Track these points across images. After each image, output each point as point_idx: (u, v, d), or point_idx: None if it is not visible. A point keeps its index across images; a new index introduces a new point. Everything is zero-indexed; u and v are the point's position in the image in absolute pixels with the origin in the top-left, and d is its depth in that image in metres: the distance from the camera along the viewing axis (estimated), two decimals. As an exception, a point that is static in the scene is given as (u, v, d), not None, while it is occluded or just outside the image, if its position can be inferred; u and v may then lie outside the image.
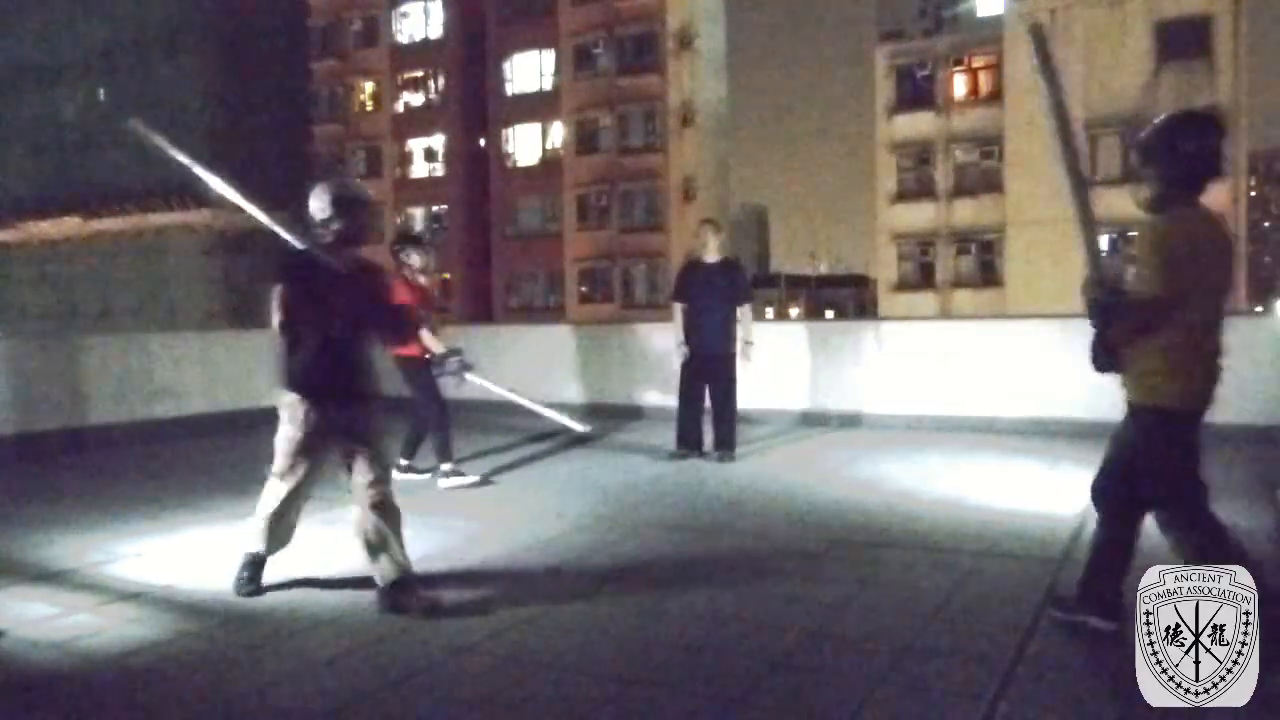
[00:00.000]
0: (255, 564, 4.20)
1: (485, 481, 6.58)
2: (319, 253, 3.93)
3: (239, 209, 4.10)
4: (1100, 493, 3.42)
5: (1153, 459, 3.27)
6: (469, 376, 6.64)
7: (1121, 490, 3.35)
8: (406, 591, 3.91)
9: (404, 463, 6.74)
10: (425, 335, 6.41)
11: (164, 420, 9.42)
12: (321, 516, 5.68)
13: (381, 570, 3.97)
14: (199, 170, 4.04)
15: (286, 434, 4.01)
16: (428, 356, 6.52)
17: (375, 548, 3.98)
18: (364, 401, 4.08)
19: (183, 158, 4.00)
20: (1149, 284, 3.10)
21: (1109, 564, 3.39)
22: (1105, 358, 3.22)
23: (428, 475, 6.69)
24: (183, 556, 4.85)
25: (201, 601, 4.08)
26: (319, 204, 4.03)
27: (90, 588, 4.31)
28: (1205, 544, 3.15)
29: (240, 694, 3.12)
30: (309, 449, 4.02)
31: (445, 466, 6.57)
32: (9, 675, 3.36)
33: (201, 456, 8.22)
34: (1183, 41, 29.58)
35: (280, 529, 4.19)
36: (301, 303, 3.86)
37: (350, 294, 3.95)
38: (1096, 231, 3.14)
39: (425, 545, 4.95)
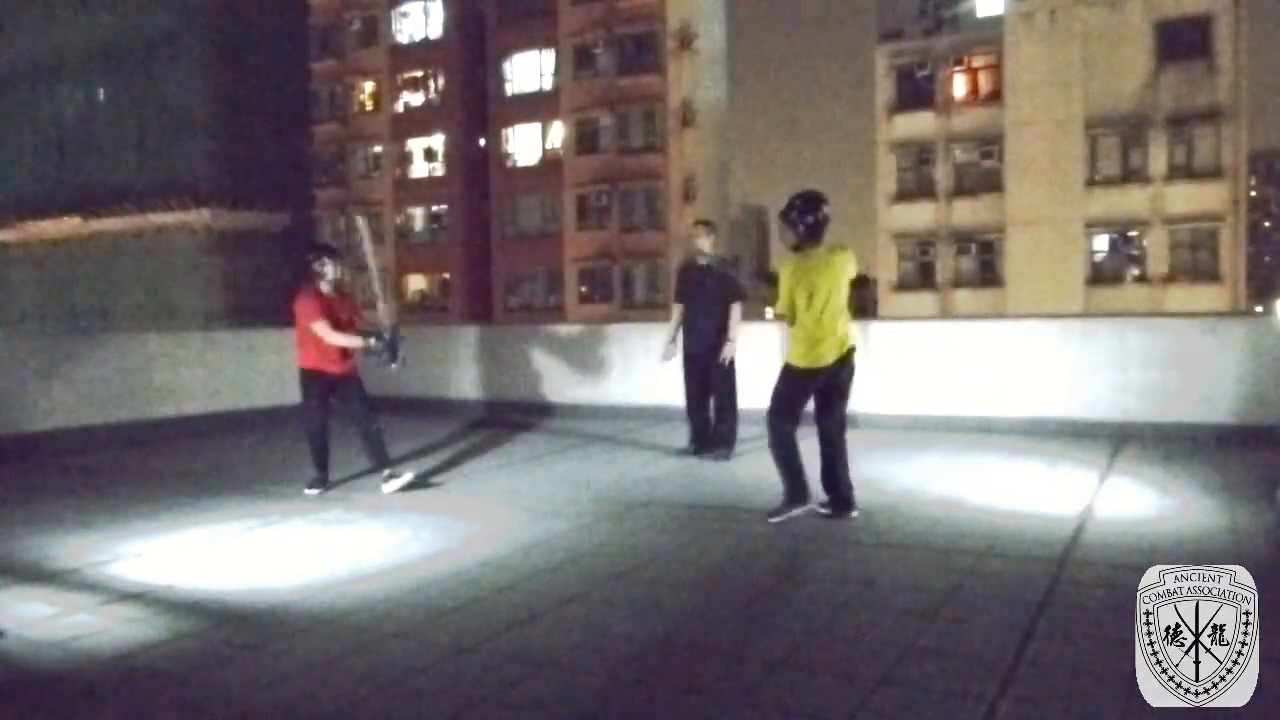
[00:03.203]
0: None
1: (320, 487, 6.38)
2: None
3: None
4: (769, 419, 5.32)
5: (778, 395, 5.31)
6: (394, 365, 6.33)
7: (776, 414, 5.30)
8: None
9: (386, 472, 6.40)
10: (338, 336, 6.25)
11: (164, 420, 9.42)
12: (322, 517, 5.69)
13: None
14: None
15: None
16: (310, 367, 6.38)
17: None
18: None
19: None
20: (784, 294, 5.21)
21: (790, 463, 5.27)
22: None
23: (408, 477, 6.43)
24: (183, 556, 4.85)
25: (201, 601, 4.08)
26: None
27: (90, 588, 4.31)
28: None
29: (240, 694, 3.12)
30: None
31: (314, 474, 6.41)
32: (9, 675, 3.37)
33: (201, 456, 8.22)
34: (1183, 41, 29.59)
35: None
36: None
37: None
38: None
39: (425, 545, 4.95)
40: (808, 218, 5.22)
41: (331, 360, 6.34)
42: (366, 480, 6.71)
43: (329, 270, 6.34)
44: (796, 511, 5.26)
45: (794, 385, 5.30)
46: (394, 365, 6.29)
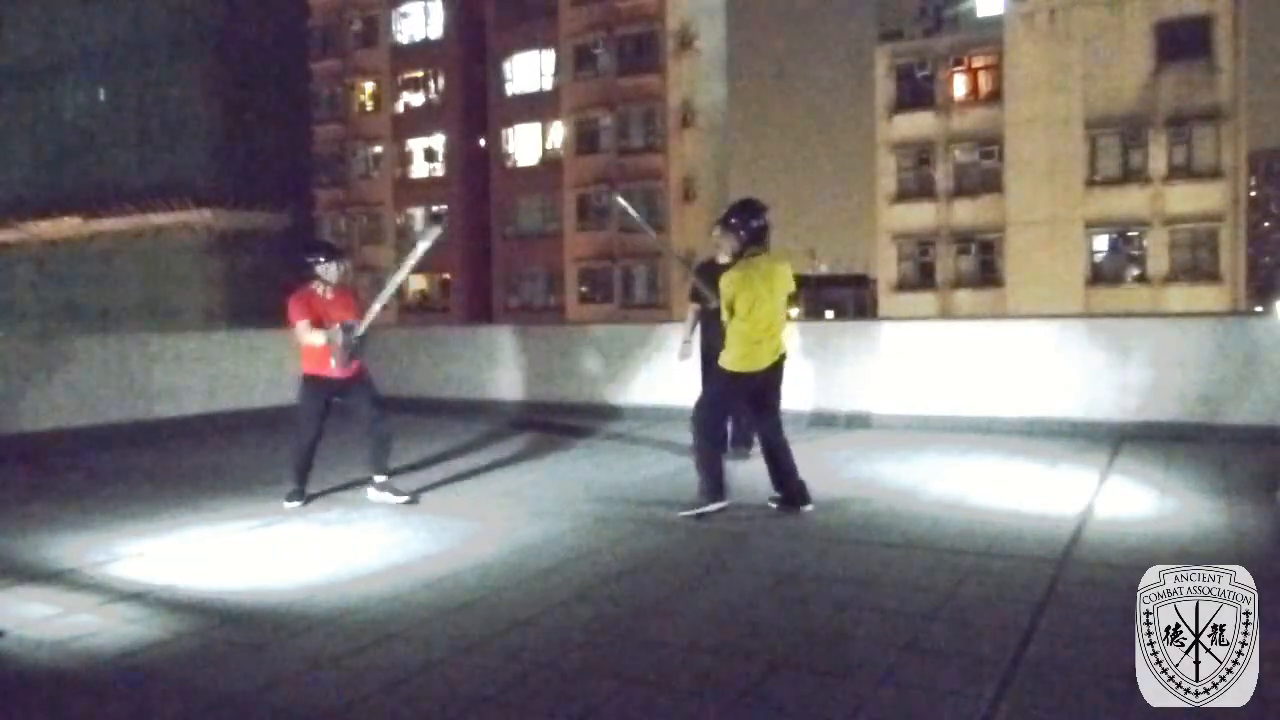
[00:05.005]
0: None
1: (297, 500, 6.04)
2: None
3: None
4: (699, 417, 5.44)
5: (713, 395, 5.57)
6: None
7: (704, 414, 5.46)
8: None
9: (381, 479, 6.12)
10: (312, 335, 5.84)
11: (164, 420, 9.42)
12: (321, 517, 5.69)
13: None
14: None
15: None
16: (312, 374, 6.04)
17: None
18: None
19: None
20: (725, 301, 5.32)
21: (713, 463, 5.35)
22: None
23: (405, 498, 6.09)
24: (183, 556, 4.85)
25: (201, 601, 4.08)
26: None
27: (90, 588, 4.31)
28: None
29: (240, 694, 3.12)
30: None
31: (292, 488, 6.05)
32: (9, 675, 3.36)
33: (201, 456, 8.22)
34: (1183, 41, 29.58)
35: None
36: None
37: None
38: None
39: (425, 545, 4.96)
40: (752, 224, 5.32)
41: (328, 364, 5.95)
42: (366, 481, 6.70)
43: (328, 270, 6.01)
44: (712, 508, 5.31)
45: (729, 388, 5.47)
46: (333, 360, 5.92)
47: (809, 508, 5.46)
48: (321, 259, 6.02)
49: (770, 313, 5.33)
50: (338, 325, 5.87)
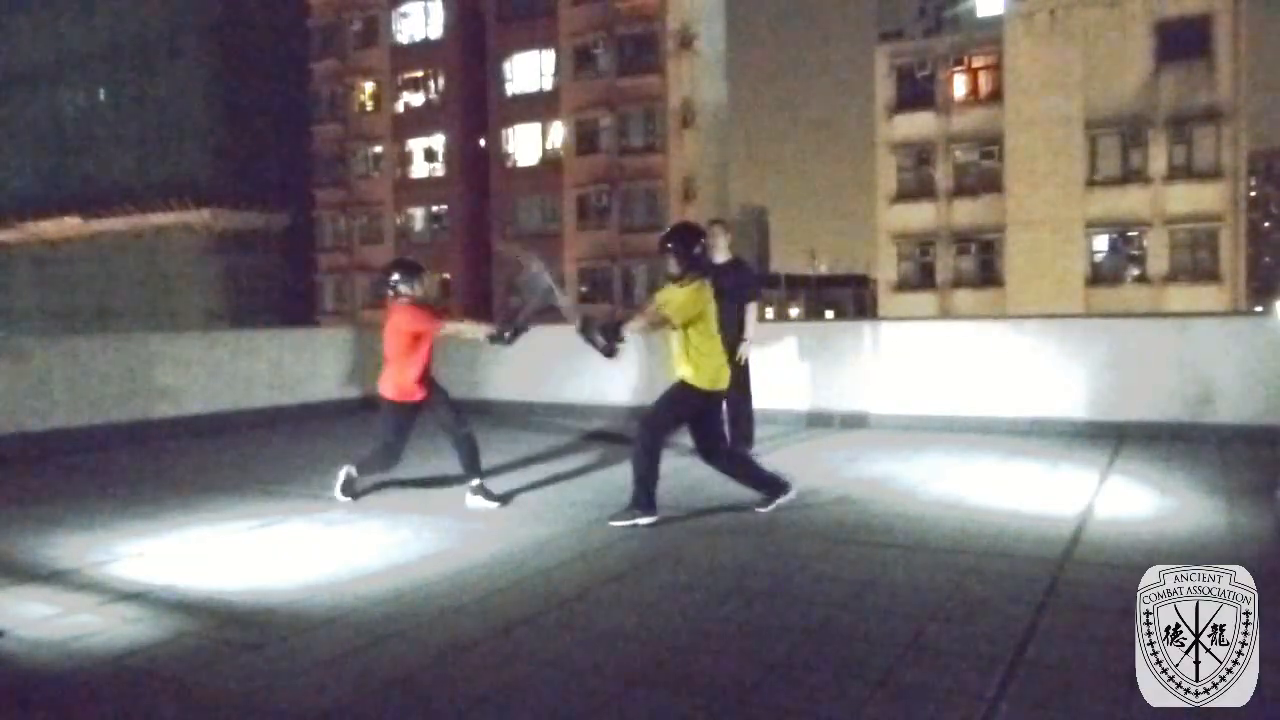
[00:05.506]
0: None
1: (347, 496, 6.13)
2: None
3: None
4: (647, 427, 5.48)
5: (672, 412, 5.56)
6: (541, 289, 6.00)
7: (656, 426, 5.52)
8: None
9: (475, 483, 6.10)
10: (464, 326, 6.17)
11: (164, 420, 9.42)
12: (323, 517, 5.69)
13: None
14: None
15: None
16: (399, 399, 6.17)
17: None
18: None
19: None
20: (681, 310, 5.36)
21: (648, 474, 5.38)
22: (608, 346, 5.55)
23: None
24: (183, 556, 4.85)
25: (201, 601, 4.08)
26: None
27: (90, 588, 4.31)
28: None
29: (240, 694, 3.12)
30: None
31: (350, 473, 6.18)
32: (9, 675, 3.36)
33: (201, 457, 8.22)
34: (1183, 41, 29.60)
35: None
36: None
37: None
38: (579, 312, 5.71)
39: (425, 545, 4.96)
40: (694, 249, 5.49)
41: (409, 391, 6.07)
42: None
43: (413, 286, 6.10)
44: (645, 521, 5.32)
45: (688, 406, 5.54)
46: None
47: (792, 492, 5.58)
48: (402, 275, 6.18)
49: (717, 332, 5.58)
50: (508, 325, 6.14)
